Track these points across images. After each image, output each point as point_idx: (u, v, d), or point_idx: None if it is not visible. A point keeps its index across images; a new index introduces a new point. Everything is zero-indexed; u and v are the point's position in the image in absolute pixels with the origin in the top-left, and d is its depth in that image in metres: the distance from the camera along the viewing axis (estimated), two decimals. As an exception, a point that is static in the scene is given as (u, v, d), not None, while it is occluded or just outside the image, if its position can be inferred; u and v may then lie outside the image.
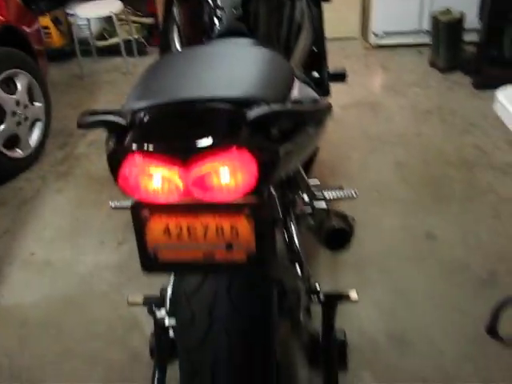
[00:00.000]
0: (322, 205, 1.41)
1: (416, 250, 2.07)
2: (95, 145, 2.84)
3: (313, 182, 1.71)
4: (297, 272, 1.39)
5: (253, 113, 0.85)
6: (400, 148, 2.68)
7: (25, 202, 2.44)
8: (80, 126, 0.91)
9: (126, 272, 2.03)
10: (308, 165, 1.88)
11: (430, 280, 1.94)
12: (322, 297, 1.49)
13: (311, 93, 1.20)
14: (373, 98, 3.23)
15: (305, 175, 1.43)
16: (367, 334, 1.77)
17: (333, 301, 1.51)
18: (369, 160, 2.59)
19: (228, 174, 0.81)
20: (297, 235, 1.45)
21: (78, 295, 1.97)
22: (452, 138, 2.75)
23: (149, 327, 1.65)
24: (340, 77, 1.85)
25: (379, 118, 3.00)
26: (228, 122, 0.86)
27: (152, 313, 1.47)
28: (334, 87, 1.82)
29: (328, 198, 1.43)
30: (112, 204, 1.47)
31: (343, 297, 1.50)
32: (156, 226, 0.89)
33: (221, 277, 1.06)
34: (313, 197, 1.42)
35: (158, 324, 1.48)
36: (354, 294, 1.51)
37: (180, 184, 0.81)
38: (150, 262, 0.93)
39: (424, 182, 2.43)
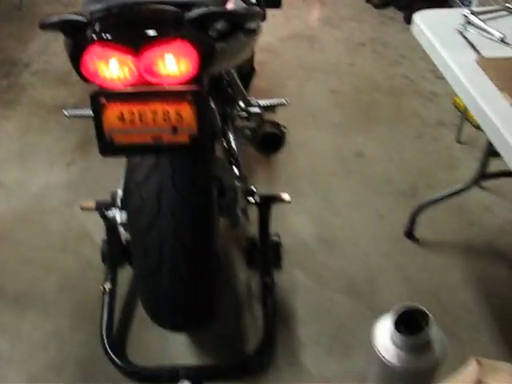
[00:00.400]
0: (256, 110, 1.56)
1: (345, 166, 2.27)
2: (39, 74, 2.86)
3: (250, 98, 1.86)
4: (235, 173, 1.55)
5: (194, 12, 0.99)
6: (334, 77, 2.84)
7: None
8: (42, 26, 1.03)
9: (75, 190, 2.14)
10: (245, 85, 2.02)
11: (356, 192, 2.15)
12: (257, 198, 1.66)
13: (244, 4, 1.33)
14: (309, 31, 3.36)
15: (240, 84, 1.57)
16: (299, 237, 1.97)
17: (267, 201, 1.69)
18: (304, 88, 2.75)
19: (173, 61, 0.95)
20: (235, 143, 1.61)
21: (30, 212, 2.08)
22: (383, 68, 2.94)
23: (99, 237, 1.80)
24: (275, 2, 1.97)
25: (315, 49, 3.14)
26: (173, 20, 0.99)
27: (103, 216, 1.61)
28: (272, 20, 1.94)
29: (262, 104, 1.58)
30: (66, 112, 1.58)
31: (277, 198, 1.68)
32: (112, 113, 1.03)
33: (166, 167, 1.21)
34: (248, 104, 1.58)
35: (110, 225, 1.63)
36: (286, 196, 1.70)
37: (133, 70, 0.95)
38: (107, 146, 1.06)
39: (355, 108, 2.62)
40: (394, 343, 1.04)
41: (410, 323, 1.04)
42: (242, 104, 1.57)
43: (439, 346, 1.06)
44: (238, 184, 1.54)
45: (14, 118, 2.55)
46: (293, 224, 2.02)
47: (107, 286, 1.68)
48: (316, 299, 1.77)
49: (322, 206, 2.09)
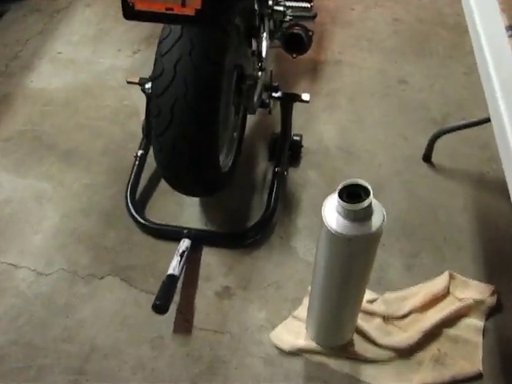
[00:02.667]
0: (279, 8, 1.69)
1: (385, 89, 2.36)
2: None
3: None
4: (257, 65, 1.71)
5: None
6: (401, 6, 2.86)
7: (58, 11, 2.76)
8: None
9: (136, 74, 2.37)
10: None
11: (387, 113, 2.24)
12: (279, 93, 1.82)
13: None
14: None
15: None
16: (322, 143, 2.11)
17: (288, 98, 1.84)
18: (369, 13, 2.80)
19: None
20: (265, 39, 1.76)
21: (93, 86, 2.35)
22: (455, 4, 2.92)
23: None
24: None
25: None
26: None
27: (143, 90, 1.83)
28: None
29: (287, 4, 1.71)
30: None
31: (297, 97, 1.83)
32: (134, -19, 1.22)
33: (186, 41, 1.40)
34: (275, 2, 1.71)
35: (148, 97, 1.85)
36: (306, 96, 1.85)
37: None
38: (129, 11, 1.25)
39: (413, 38, 2.65)
40: (337, 211, 1.20)
41: (353, 196, 1.19)
42: (270, 2, 1.70)
43: (378, 218, 1.21)
44: (259, 75, 1.70)
45: (95, 5, 2.80)
46: (319, 130, 2.16)
47: (139, 152, 1.93)
48: (322, 197, 1.86)
49: (351, 120, 2.21)
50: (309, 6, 1.70)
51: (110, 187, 1.95)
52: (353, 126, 2.19)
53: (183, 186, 1.62)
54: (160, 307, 1.53)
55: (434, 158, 2.06)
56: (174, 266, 1.63)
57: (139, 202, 1.89)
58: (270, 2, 1.71)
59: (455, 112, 2.26)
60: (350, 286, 1.33)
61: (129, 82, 1.89)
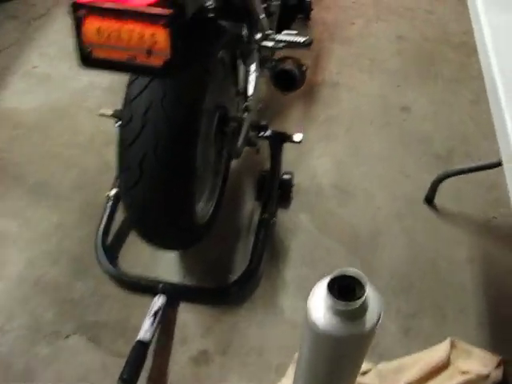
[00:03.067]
0: (268, 44, 1.50)
1: (386, 117, 2.18)
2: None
3: (288, 31, 1.80)
4: (242, 105, 1.53)
5: None
6: (406, 22, 2.67)
7: (35, 19, 2.57)
8: None
9: (115, 95, 2.18)
10: (290, 18, 1.96)
11: (388, 145, 2.07)
12: (269, 132, 1.64)
13: None
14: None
15: (260, 13, 1.50)
16: (316, 180, 1.93)
17: (278, 138, 1.66)
18: (371, 29, 2.61)
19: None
20: (254, 75, 1.57)
21: (68, 107, 2.16)
22: (463, 21, 2.73)
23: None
24: None
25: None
26: None
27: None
28: None
29: (279, 39, 1.52)
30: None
31: (288, 137, 1.65)
32: (90, 26, 1.03)
33: (157, 86, 1.22)
34: (263, 36, 1.52)
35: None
36: (297, 137, 1.67)
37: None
38: (85, 58, 1.07)
39: (418, 59, 2.47)
40: (325, 305, 1.03)
41: (345, 289, 1.01)
42: (258, 35, 1.51)
43: (373, 313, 1.04)
44: (244, 116, 1.52)
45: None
46: (313, 164, 1.98)
47: (112, 192, 1.75)
48: (313, 245, 1.76)
49: (348, 153, 2.03)
50: (302, 41, 1.51)
51: (82, 228, 1.77)
52: (350, 159, 2.01)
53: (156, 241, 1.45)
54: (127, 382, 1.36)
55: (437, 200, 1.89)
56: (145, 330, 1.47)
57: (111, 247, 1.71)
58: (258, 36, 1.51)
59: (460, 146, 2.08)
60: (338, 381, 1.16)
61: (101, 115, 1.71)
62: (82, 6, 1.01)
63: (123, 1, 0.97)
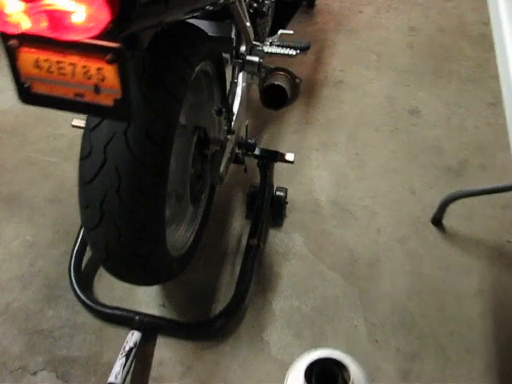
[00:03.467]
0: (253, 59, 1.32)
1: (393, 122, 1.99)
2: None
3: (286, 32, 1.62)
4: (224, 125, 1.35)
5: None
6: (419, 11, 2.46)
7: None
8: None
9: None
10: (288, 15, 1.77)
11: (394, 155, 1.89)
12: (257, 151, 1.47)
13: None
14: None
15: (246, 22, 1.31)
16: (313, 195, 1.77)
17: (268, 158, 1.50)
18: (381, 18, 2.40)
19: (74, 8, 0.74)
20: (239, 90, 1.39)
21: (47, 111, 2.00)
22: (483, 11, 2.50)
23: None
24: None
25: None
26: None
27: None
28: None
29: (267, 51, 1.34)
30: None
31: (278, 156, 1.49)
32: (26, 58, 0.86)
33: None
34: (249, 48, 1.34)
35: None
36: (290, 157, 1.50)
37: (28, 16, 0.76)
38: (25, 94, 0.91)
39: (431, 53, 2.26)
40: (303, 390, 0.88)
41: (326, 374, 0.87)
42: (242, 48, 1.33)
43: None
44: (227, 139, 1.35)
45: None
46: (310, 177, 1.81)
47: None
48: (306, 271, 1.61)
49: (350, 164, 1.86)
50: (294, 54, 1.32)
51: (56, 247, 1.64)
52: (351, 172, 1.84)
53: (126, 280, 1.30)
54: None
55: (446, 220, 1.71)
56: (116, 372, 1.33)
57: (86, 271, 1.57)
58: (243, 49, 1.33)
59: (474, 157, 1.90)
60: None
61: (74, 127, 1.55)
62: (13, 35, 0.84)
63: (60, 30, 0.79)
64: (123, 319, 1.47)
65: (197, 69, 1.18)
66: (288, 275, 1.59)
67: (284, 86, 1.31)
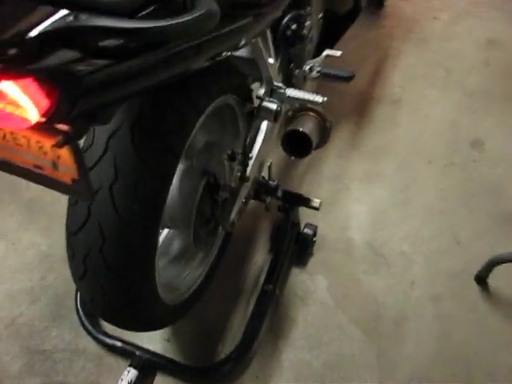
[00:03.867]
0: (270, 106, 1.15)
1: (451, 154, 1.78)
2: None
3: (332, 53, 1.45)
4: (237, 171, 1.21)
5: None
6: (502, 20, 2.17)
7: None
8: None
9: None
10: (338, 34, 1.58)
11: (446, 194, 1.69)
12: (279, 193, 1.34)
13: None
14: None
15: (267, 63, 1.15)
16: (346, 233, 1.62)
17: (291, 201, 1.36)
18: (455, 26, 2.15)
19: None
20: (256, 131, 1.25)
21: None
22: None
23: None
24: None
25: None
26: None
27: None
28: None
29: (289, 95, 1.17)
30: None
31: (304, 201, 1.35)
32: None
33: (108, 167, 0.95)
34: (268, 91, 1.17)
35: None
36: (316, 203, 1.36)
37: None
38: (-11, 156, 0.82)
39: (508, 75, 2.00)
40: None
41: None
42: (261, 91, 1.17)
43: None
44: (240, 187, 1.22)
45: None
46: (347, 212, 1.66)
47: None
48: (324, 321, 1.47)
49: (393, 201, 1.68)
50: (320, 101, 1.16)
51: (70, 261, 1.59)
52: (393, 210, 1.67)
53: (117, 326, 1.22)
54: None
55: (492, 280, 1.52)
56: (105, 412, 1.28)
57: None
58: (261, 92, 1.16)
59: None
60: None
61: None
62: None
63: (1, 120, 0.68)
64: (123, 352, 1.41)
65: (208, 110, 1.06)
66: (303, 323, 1.47)
67: (309, 133, 1.15)
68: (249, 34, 0.93)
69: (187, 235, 1.25)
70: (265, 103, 1.13)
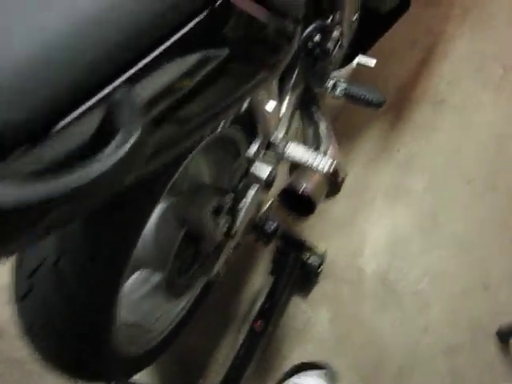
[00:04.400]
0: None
1: (494, 175, 1.53)
2: None
3: (365, 61, 1.23)
4: (224, 227, 1.02)
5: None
6: None
7: None
8: None
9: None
10: (375, 36, 1.33)
11: (480, 224, 1.47)
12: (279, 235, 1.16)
13: None
14: None
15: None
16: (358, 261, 1.43)
17: (291, 248, 1.19)
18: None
19: None
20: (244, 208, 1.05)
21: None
22: None
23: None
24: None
25: None
26: None
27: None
28: None
29: (290, 154, 0.95)
30: None
31: (306, 249, 1.17)
32: None
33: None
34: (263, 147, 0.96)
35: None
36: (320, 252, 1.17)
37: None
38: None
39: None
40: None
41: None
42: (252, 149, 0.93)
43: None
44: (226, 242, 1.04)
45: None
46: (363, 234, 1.46)
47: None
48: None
49: (418, 226, 1.47)
50: (326, 170, 0.93)
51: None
52: (416, 236, 1.46)
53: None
54: None
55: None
56: None
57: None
58: (252, 150, 0.92)
59: None
60: None
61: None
62: None
63: None
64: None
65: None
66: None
67: (312, 194, 0.93)
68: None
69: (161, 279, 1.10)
70: (255, 166, 0.91)
